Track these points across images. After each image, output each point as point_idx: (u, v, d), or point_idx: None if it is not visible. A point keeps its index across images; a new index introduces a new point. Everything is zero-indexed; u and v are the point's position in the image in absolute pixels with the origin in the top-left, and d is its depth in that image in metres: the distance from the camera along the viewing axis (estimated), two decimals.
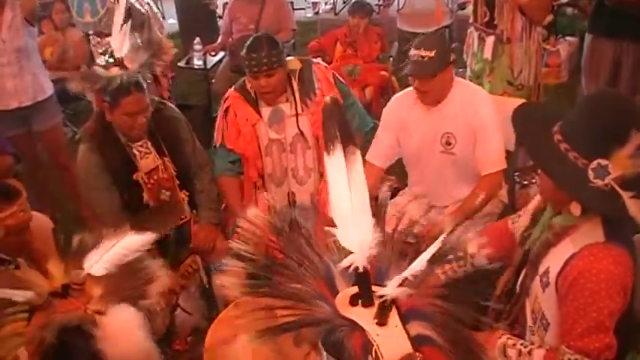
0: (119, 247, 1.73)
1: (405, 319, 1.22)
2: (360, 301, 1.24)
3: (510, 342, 2.00)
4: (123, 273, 1.74)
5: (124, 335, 1.63)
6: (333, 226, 1.28)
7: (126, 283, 1.76)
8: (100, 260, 1.72)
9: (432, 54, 2.78)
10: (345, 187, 1.23)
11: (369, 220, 1.24)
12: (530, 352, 1.94)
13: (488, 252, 2.25)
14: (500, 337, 2.03)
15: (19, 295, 1.65)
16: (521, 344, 1.98)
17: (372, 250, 1.22)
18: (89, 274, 1.71)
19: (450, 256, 1.25)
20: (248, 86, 3.06)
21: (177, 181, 3.05)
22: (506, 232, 2.28)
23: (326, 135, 1.24)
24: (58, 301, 1.67)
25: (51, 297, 1.67)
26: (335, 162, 1.23)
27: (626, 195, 1.70)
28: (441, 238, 1.24)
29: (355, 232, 1.23)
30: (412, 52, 2.85)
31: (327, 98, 1.29)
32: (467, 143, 2.91)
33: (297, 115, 3.05)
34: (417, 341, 1.20)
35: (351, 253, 1.25)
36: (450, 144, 2.93)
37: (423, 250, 1.26)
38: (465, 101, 2.90)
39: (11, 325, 1.64)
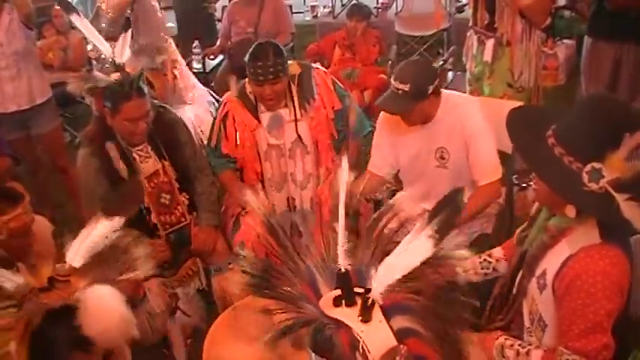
0: (93, 236, 1.74)
1: (387, 314, 1.25)
2: (343, 302, 1.28)
3: (508, 342, 2.01)
4: (107, 264, 1.75)
5: (101, 309, 1.63)
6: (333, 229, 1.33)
7: (110, 273, 1.76)
8: (78, 251, 1.73)
9: (407, 87, 2.68)
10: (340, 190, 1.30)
11: (343, 224, 1.31)
12: (528, 353, 1.95)
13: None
14: (497, 338, 2.04)
15: (9, 281, 1.65)
16: (519, 345, 1.99)
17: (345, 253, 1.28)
18: (74, 268, 1.71)
19: (445, 261, 1.26)
20: (247, 91, 3.07)
21: (176, 185, 3.06)
22: None
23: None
24: (45, 294, 1.68)
25: (39, 292, 1.68)
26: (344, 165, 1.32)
27: (620, 198, 1.71)
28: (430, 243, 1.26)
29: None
30: (392, 81, 2.78)
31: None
32: (460, 156, 2.88)
33: (295, 120, 3.06)
34: (400, 334, 1.25)
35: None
36: (444, 158, 2.91)
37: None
38: (456, 115, 2.85)
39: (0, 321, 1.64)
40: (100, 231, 1.75)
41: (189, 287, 3.18)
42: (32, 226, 2.42)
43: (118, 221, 1.79)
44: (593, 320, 1.78)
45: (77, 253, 1.73)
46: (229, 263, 3.14)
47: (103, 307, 1.62)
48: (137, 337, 1.73)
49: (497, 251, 2.34)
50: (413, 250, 1.23)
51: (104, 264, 1.75)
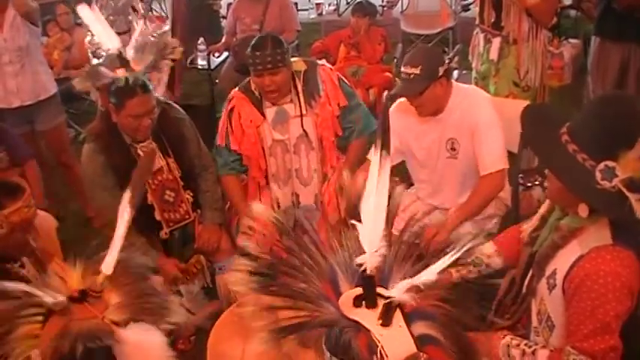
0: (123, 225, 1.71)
1: (408, 320, 1.22)
2: (364, 303, 1.25)
3: (514, 342, 1.99)
4: (140, 286, 1.71)
5: (144, 354, 1.59)
6: (338, 226, 1.30)
7: (143, 296, 1.72)
8: (112, 254, 1.67)
9: (418, 70, 2.74)
10: (374, 188, 1.26)
11: (382, 226, 1.26)
12: (534, 353, 1.94)
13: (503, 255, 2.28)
14: (503, 337, 2.03)
15: (48, 297, 1.60)
16: (525, 344, 1.97)
17: (378, 256, 1.24)
18: (107, 280, 1.66)
19: (463, 262, 1.26)
20: (252, 87, 3.07)
21: (181, 182, 3.06)
22: (518, 237, 2.27)
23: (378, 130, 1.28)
24: (75, 306, 1.62)
25: (68, 302, 1.62)
26: (374, 161, 1.27)
27: (633, 197, 1.70)
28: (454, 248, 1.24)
29: (370, 234, 1.25)
30: (402, 68, 2.83)
31: (386, 96, 1.35)
32: (470, 147, 2.89)
33: (301, 115, 3.05)
34: (421, 341, 1.21)
35: (356, 252, 1.26)
36: (454, 149, 2.92)
37: (426, 251, 1.27)
38: (466, 106, 2.88)
39: (26, 326, 1.59)
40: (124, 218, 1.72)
41: (193, 285, 3.18)
42: (35, 220, 2.40)
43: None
44: (601, 321, 1.77)
45: (111, 257, 1.67)
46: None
47: (146, 353, 1.59)
48: None
49: (488, 246, 2.32)
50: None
51: (141, 290, 1.71)
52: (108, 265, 1.66)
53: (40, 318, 1.60)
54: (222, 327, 2.43)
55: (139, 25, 3.07)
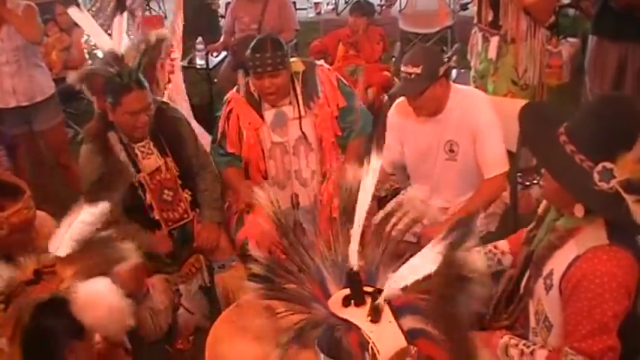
0: (78, 223, 1.74)
1: (397, 314, 1.24)
2: (352, 301, 1.26)
3: (513, 342, 2.00)
4: (92, 255, 1.74)
5: (95, 300, 1.62)
6: (329, 226, 1.32)
7: (95, 262, 1.74)
8: (63, 240, 1.72)
9: (419, 70, 2.72)
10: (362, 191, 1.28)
11: (360, 226, 1.29)
12: (532, 353, 1.94)
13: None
14: (502, 337, 2.03)
15: None
16: (524, 344, 1.98)
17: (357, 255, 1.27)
18: (58, 257, 1.71)
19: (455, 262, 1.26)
20: (251, 89, 3.06)
21: (179, 181, 3.06)
22: None
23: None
24: (32, 287, 1.67)
25: (25, 285, 1.66)
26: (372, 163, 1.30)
27: (630, 198, 1.70)
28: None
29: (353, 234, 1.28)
30: (402, 67, 2.82)
31: (386, 99, 1.37)
32: (469, 149, 2.89)
33: (299, 117, 3.05)
34: (410, 335, 1.23)
35: (344, 253, 1.29)
36: (453, 151, 2.92)
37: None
38: (465, 107, 2.87)
39: None
40: (84, 217, 1.75)
41: (192, 284, 3.18)
42: (35, 221, 2.40)
43: (102, 207, 1.78)
44: (599, 321, 1.77)
45: (61, 241, 1.72)
46: (233, 260, 3.14)
47: (95, 296, 1.61)
48: (133, 325, 1.72)
49: (503, 244, 2.33)
50: (423, 263, 1.23)
51: (91, 252, 1.74)
52: (57, 245, 1.72)
53: (1, 306, 1.62)
54: (221, 327, 2.44)
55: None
